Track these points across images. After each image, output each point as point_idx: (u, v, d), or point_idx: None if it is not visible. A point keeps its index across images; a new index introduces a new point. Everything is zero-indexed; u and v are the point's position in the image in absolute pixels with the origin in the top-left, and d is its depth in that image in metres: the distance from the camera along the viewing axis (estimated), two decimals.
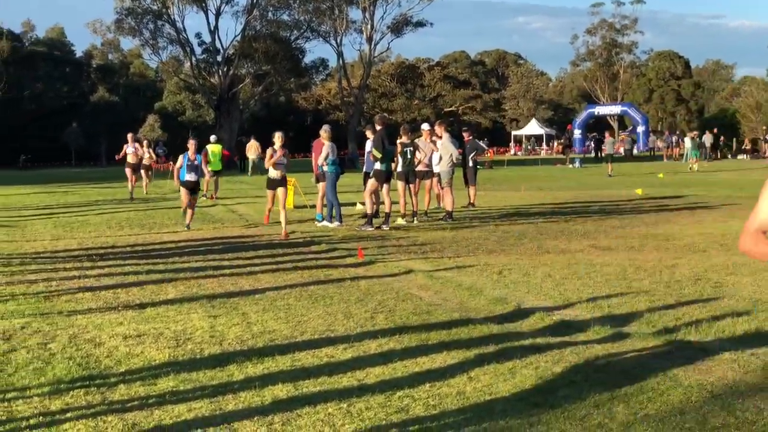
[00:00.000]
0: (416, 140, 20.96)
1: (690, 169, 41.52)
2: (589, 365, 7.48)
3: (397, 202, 20.60)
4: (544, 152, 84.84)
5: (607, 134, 49.38)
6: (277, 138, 18.00)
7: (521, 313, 9.76)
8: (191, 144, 20.13)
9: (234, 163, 53.49)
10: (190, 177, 19.36)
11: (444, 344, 8.35)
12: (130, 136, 31.74)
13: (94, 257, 14.87)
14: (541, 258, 14.24)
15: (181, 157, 19.74)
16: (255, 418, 6.27)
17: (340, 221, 19.70)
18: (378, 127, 19.36)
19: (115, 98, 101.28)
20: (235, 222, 21.35)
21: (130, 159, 30.45)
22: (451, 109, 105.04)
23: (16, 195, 34.51)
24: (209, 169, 29.07)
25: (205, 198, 28.72)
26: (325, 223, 19.79)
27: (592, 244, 15.93)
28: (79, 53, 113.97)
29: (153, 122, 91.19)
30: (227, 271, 13.13)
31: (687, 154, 61.91)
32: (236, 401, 6.69)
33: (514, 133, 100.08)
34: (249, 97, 77.01)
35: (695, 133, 47.00)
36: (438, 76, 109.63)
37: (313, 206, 23.06)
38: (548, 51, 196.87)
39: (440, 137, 21.71)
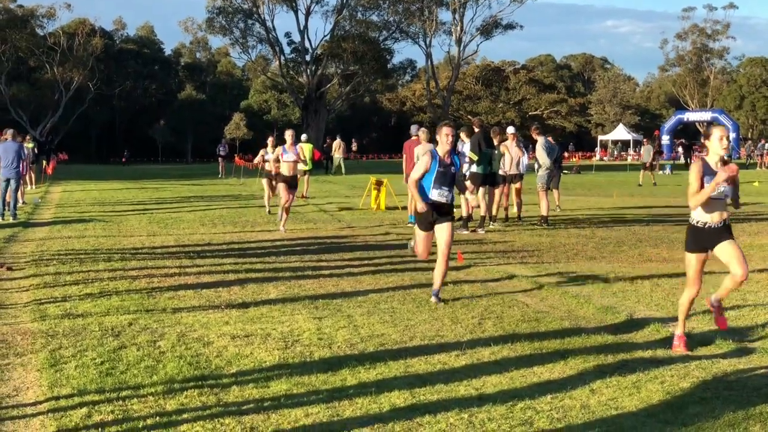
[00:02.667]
0: (504, 143, 20.68)
1: None
2: (718, 381, 7.18)
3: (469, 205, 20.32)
4: (630, 158, 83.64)
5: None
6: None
7: (635, 324, 9.46)
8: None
9: (321, 163, 53.73)
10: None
11: (559, 353, 8.10)
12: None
13: (192, 255, 14.87)
14: (645, 266, 13.90)
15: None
16: (375, 426, 6.10)
17: None
18: (476, 130, 19.12)
19: (201, 96, 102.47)
20: (329, 222, 21.27)
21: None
22: (536, 112, 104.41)
23: (109, 190, 34.93)
24: (300, 167, 29.14)
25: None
26: None
27: None
28: (167, 51, 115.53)
29: (238, 120, 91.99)
30: (326, 272, 13.01)
31: None
32: (353, 407, 6.53)
33: (600, 137, 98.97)
34: (336, 98, 77.22)
35: None
36: (523, 80, 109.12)
37: (405, 208, 22.91)
38: (636, 55, 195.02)
39: (535, 141, 21.42)
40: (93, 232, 18.52)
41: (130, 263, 13.91)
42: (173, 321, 9.53)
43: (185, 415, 6.32)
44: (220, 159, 47.73)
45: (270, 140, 24.70)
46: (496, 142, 19.81)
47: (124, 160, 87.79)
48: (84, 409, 6.40)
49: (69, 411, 6.38)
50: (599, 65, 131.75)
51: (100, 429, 6.00)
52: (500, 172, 19.83)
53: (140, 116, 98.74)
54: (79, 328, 9.11)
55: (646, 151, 42.45)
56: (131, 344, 8.43)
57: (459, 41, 77.84)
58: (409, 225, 19.74)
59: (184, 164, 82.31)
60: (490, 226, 19.89)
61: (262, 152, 24.34)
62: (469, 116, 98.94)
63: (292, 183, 18.30)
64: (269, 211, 23.08)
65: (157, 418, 6.26)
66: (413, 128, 20.46)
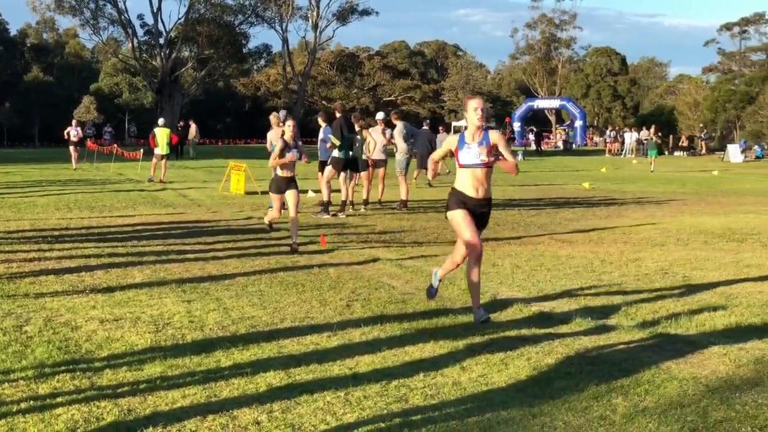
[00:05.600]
0: (369, 129, 20.86)
1: (651, 171, 41.16)
2: (580, 357, 7.48)
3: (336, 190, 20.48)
4: None
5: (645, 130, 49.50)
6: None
7: (499, 304, 9.74)
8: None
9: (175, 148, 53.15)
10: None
11: (429, 333, 8.30)
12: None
13: (51, 239, 14.57)
14: (504, 249, 14.27)
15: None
16: (253, 406, 6.16)
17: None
18: (337, 115, 19.23)
19: (49, 78, 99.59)
20: (188, 207, 21.06)
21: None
22: (390, 98, 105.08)
23: None
24: (157, 152, 28.85)
25: (151, 182, 28.40)
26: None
27: (550, 236, 16.02)
28: (13, 32, 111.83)
29: (88, 104, 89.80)
30: (191, 256, 12.94)
31: (625, 150, 62.79)
32: (230, 388, 6.57)
33: (454, 124, 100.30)
34: (190, 82, 76.19)
35: (652, 131, 46.85)
36: (377, 66, 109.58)
37: (265, 192, 22.90)
38: (487, 43, 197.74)
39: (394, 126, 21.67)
40: None
41: None
42: (38, 306, 9.36)
43: (59, 399, 6.25)
44: (72, 147, 37.99)
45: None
46: (357, 128, 19.96)
47: None
48: None
49: None
50: (452, 52, 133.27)
51: None
52: (363, 157, 19.99)
53: None
54: None
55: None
56: None
57: (315, 26, 77.86)
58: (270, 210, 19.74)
59: (32, 148, 79.86)
60: (362, 210, 20.08)
61: (279, 143, 14.04)
62: (323, 101, 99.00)
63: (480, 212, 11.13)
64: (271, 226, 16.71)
65: (31, 402, 6.19)
66: (282, 113, 20.41)
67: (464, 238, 8.76)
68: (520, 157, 54.78)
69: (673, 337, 8.20)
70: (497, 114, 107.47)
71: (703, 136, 72.30)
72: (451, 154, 8.94)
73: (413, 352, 7.65)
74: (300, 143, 14.29)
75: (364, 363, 7.30)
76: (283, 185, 13.94)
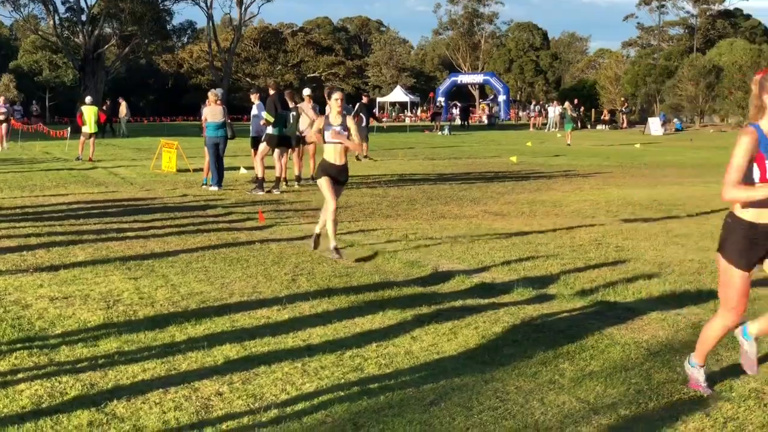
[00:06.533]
0: (300, 105, 20.94)
1: (567, 144, 41.88)
2: (526, 325, 7.76)
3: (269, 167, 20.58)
4: (408, 119, 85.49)
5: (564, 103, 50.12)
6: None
7: (441, 276, 9.98)
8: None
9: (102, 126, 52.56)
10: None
11: (376, 305, 8.50)
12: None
13: None
14: (440, 223, 14.53)
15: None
16: (213, 378, 6.30)
17: (219, 186, 19.56)
18: (271, 92, 19.28)
19: None
20: (120, 185, 20.97)
21: None
22: (314, 74, 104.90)
23: None
24: (84, 131, 28.58)
25: (79, 161, 28.14)
26: (213, 188, 19.61)
27: (484, 209, 16.32)
28: None
29: (8, 81, 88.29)
30: (131, 234, 12.98)
31: (549, 124, 63.54)
32: (188, 361, 6.71)
33: (378, 99, 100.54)
34: (113, 59, 75.22)
35: (567, 104, 47.78)
36: (301, 42, 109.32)
37: (197, 170, 22.92)
38: (410, 19, 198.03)
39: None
40: None
41: None
42: None
43: (20, 375, 6.33)
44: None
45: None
46: (292, 104, 20.04)
47: None
48: None
49: None
50: (375, 28, 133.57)
51: None
52: (297, 133, 20.08)
53: None
54: None
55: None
56: None
57: (240, 3, 77.36)
58: (203, 187, 19.78)
59: None
60: (295, 187, 20.21)
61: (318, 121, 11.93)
62: (248, 79, 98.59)
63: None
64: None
65: None
66: (218, 91, 20.36)
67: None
68: (446, 131, 55.20)
69: (613, 305, 8.53)
70: (422, 89, 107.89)
71: (624, 109, 73.50)
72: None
73: (363, 324, 7.85)
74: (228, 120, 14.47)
75: (317, 335, 7.49)
76: (332, 172, 11.41)
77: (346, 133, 11.32)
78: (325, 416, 5.59)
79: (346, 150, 11.50)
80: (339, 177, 11.48)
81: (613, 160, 31.96)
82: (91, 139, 28.83)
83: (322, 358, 6.81)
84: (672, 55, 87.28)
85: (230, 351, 6.96)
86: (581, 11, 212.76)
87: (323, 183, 11.38)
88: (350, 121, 11.43)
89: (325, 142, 11.38)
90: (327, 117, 11.56)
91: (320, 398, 5.93)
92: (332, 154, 11.39)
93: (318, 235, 11.85)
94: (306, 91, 21.61)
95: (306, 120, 20.13)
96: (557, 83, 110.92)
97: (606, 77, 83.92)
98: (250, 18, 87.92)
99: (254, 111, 20.63)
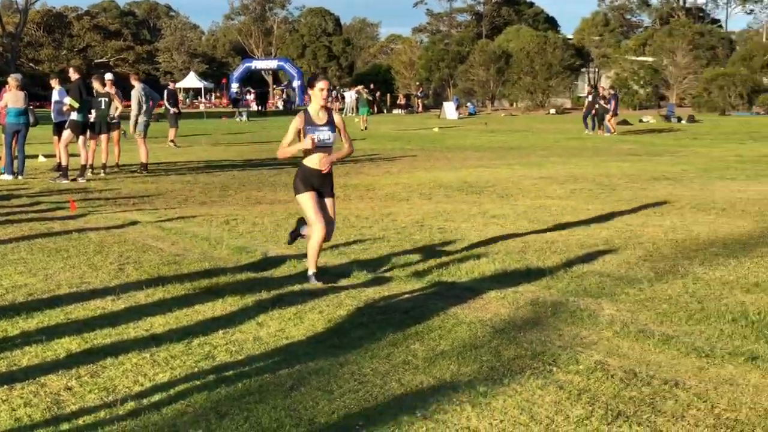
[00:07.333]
0: (111, 90, 20.32)
1: (362, 129, 42.04)
2: (370, 307, 7.77)
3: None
4: (203, 106, 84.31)
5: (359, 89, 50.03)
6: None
7: (272, 261, 9.90)
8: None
9: None
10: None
11: (213, 292, 8.36)
12: None
13: None
14: (258, 208, 14.41)
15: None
16: (59, 372, 6.04)
17: (12, 174, 18.82)
18: (75, 77, 18.63)
19: None
20: None
21: None
22: (102, 60, 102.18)
23: None
24: None
25: None
26: (6, 177, 18.81)
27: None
28: None
29: None
30: None
31: (346, 109, 63.98)
32: (28, 356, 6.41)
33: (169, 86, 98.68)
34: None
35: (361, 87, 48.37)
36: (87, 26, 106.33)
37: None
38: (201, 4, 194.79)
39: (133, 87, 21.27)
40: None
41: None
42: None
43: None
44: None
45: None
46: (105, 90, 19.49)
47: None
48: None
49: None
50: (164, 13, 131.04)
51: None
52: (108, 119, 19.51)
53: None
54: None
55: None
56: None
57: None
58: None
59: None
60: (101, 175, 19.62)
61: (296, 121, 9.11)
62: (31, 64, 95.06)
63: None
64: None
65: None
66: (18, 76, 19.50)
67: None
68: (244, 117, 54.84)
69: (451, 285, 8.66)
70: (214, 74, 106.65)
71: (419, 94, 74.88)
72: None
73: (204, 311, 7.70)
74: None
75: (159, 324, 7.29)
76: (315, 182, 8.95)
77: (332, 140, 8.69)
78: (186, 406, 5.45)
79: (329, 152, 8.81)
80: (323, 188, 8.80)
81: (414, 143, 32.49)
82: None
83: (170, 347, 6.64)
84: (464, 40, 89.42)
85: (71, 344, 6.69)
86: None
87: (306, 200, 8.68)
88: (338, 118, 8.83)
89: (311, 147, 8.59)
90: (307, 113, 8.70)
91: (176, 388, 5.77)
92: (316, 158, 8.68)
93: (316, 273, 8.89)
94: (108, 76, 21.00)
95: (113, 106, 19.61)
96: (350, 68, 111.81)
97: (401, 62, 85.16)
98: (35, 1, 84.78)
99: (55, 96, 19.89)
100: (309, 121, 8.63)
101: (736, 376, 5.95)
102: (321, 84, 8.63)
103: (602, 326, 7.12)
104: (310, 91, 8.70)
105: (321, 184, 8.78)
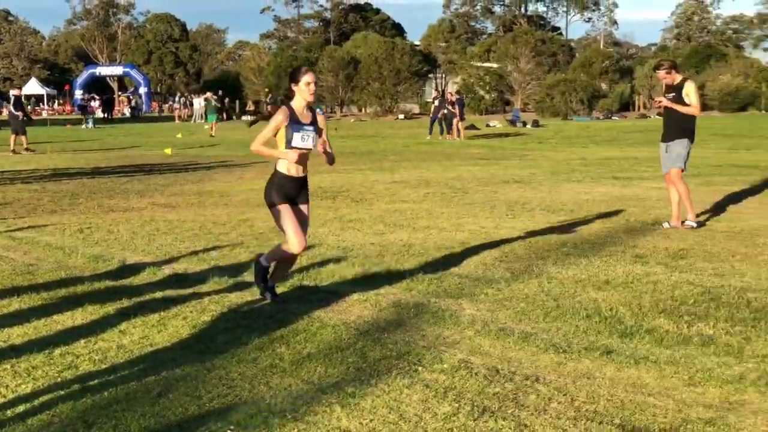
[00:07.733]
0: None
1: (210, 136, 41.53)
2: (233, 312, 7.76)
3: None
4: (46, 113, 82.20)
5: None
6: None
7: (130, 269, 9.75)
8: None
9: None
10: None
11: (72, 301, 8.19)
12: None
13: None
14: (112, 216, 14.16)
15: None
16: None
17: None
18: None
19: None
20: None
21: None
22: None
23: None
24: None
25: None
26: None
27: (151, 202, 16.08)
28: None
29: None
30: None
31: (195, 115, 63.41)
32: None
33: (12, 93, 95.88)
34: None
35: (210, 94, 48.01)
36: None
37: None
38: (41, 9, 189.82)
39: None
40: None
41: None
42: None
43: None
44: None
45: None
46: None
47: None
48: None
49: None
50: (3, 18, 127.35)
51: None
52: None
53: None
54: None
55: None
56: None
57: None
58: None
59: None
60: None
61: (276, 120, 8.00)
62: None
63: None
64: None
65: None
66: None
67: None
68: (90, 124, 53.72)
69: (313, 289, 8.71)
70: (56, 81, 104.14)
71: (268, 100, 74.59)
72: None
73: (64, 321, 7.55)
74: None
75: (17, 334, 7.13)
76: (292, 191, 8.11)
77: (315, 144, 7.88)
78: (51, 417, 5.35)
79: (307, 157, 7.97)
80: (299, 197, 8.00)
81: None
82: None
83: (31, 357, 6.49)
84: (312, 47, 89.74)
85: None
86: (218, 2, 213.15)
87: (284, 214, 7.82)
88: (321, 119, 7.97)
89: (292, 147, 7.74)
90: (291, 110, 7.72)
91: (40, 399, 5.66)
92: (293, 165, 7.83)
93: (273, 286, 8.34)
94: None
95: None
96: (198, 75, 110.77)
97: (249, 69, 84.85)
98: None
99: None
100: (294, 119, 7.65)
101: (593, 369, 6.18)
102: (307, 77, 7.71)
103: (464, 326, 7.28)
104: (293, 87, 7.73)
105: (298, 193, 7.97)
